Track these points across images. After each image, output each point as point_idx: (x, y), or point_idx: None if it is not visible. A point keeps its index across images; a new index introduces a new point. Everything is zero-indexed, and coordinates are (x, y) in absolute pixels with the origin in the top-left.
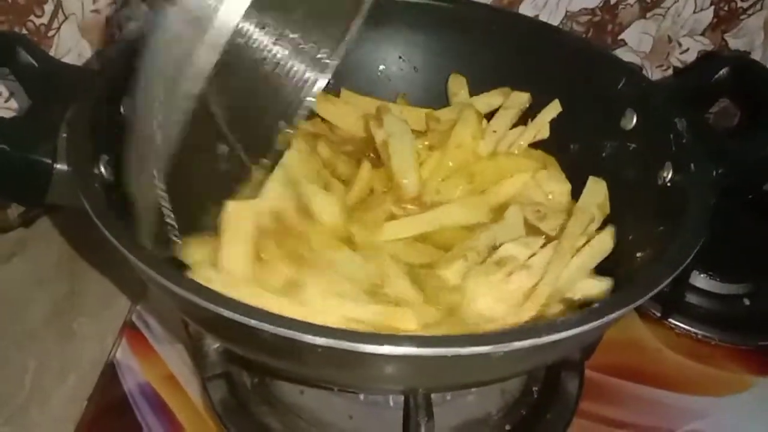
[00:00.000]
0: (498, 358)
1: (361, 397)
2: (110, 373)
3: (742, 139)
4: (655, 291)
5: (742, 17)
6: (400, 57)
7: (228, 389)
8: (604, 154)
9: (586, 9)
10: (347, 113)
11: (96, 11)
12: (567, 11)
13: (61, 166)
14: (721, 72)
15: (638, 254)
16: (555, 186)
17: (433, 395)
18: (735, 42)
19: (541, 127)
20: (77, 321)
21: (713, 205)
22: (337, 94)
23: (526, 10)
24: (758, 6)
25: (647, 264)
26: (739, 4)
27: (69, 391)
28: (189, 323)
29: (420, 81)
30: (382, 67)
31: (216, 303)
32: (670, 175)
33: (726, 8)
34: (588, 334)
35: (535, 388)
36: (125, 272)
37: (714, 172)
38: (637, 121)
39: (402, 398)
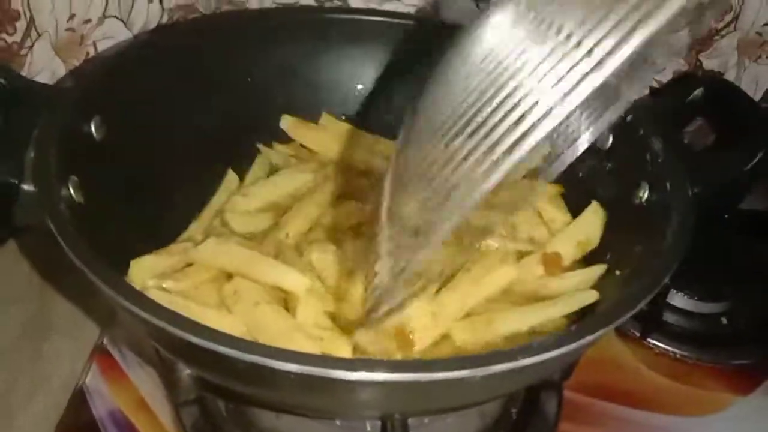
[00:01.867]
0: (474, 382)
1: (338, 421)
2: (80, 398)
3: (717, 158)
4: (633, 311)
5: (715, 38)
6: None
7: (201, 415)
8: (581, 174)
9: None
10: (325, 138)
11: (70, 29)
12: None
13: (27, 187)
14: (695, 92)
15: (617, 273)
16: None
17: (410, 419)
18: (709, 62)
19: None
20: (47, 343)
21: (692, 225)
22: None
23: None
24: (731, 27)
25: (626, 283)
26: (713, 25)
27: (37, 414)
28: (159, 349)
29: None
30: (360, 86)
31: (185, 330)
32: (646, 195)
33: None
34: (566, 356)
35: (513, 410)
36: (93, 296)
37: (690, 191)
38: (613, 140)
39: (379, 425)
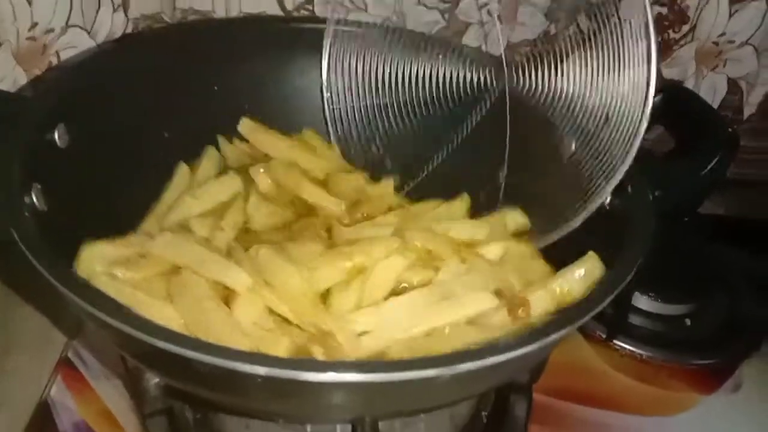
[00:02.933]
0: (443, 381)
1: (308, 429)
2: (44, 411)
3: (677, 162)
4: (596, 311)
5: (674, 47)
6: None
7: (169, 426)
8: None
9: (527, 40)
10: (278, 144)
11: (32, 38)
12: (509, 42)
13: None
14: (654, 99)
15: None
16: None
17: (381, 425)
18: (669, 71)
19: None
20: (10, 358)
21: (653, 227)
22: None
23: (469, 40)
24: (689, 37)
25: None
26: (672, 35)
27: (1, 429)
28: (126, 357)
29: None
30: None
31: (152, 335)
32: (609, 200)
33: (659, 39)
34: (532, 354)
35: (484, 413)
36: (60, 307)
37: (651, 195)
38: (575, 148)
39: (349, 429)
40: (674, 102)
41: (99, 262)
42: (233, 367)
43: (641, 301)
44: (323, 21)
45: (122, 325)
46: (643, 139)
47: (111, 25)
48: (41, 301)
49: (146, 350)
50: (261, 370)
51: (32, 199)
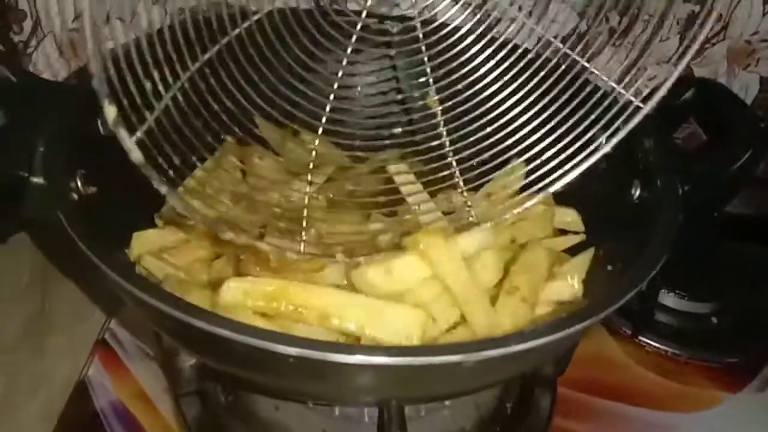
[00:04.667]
0: (469, 367)
1: (336, 412)
2: (81, 390)
3: (707, 157)
4: (621, 303)
5: (706, 46)
6: None
7: (202, 406)
8: None
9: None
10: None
11: (74, 30)
12: (539, 38)
13: (37, 180)
14: (687, 94)
15: (609, 267)
16: None
17: (407, 410)
18: (700, 70)
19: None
20: (49, 338)
21: (680, 220)
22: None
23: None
24: (721, 36)
25: (617, 278)
26: None
27: (40, 408)
28: (162, 337)
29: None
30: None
31: (188, 314)
32: (638, 192)
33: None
34: (557, 343)
35: (508, 404)
36: (98, 288)
37: (680, 189)
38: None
39: (376, 413)
40: (706, 97)
41: (147, 249)
42: (267, 347)
43: (668, 299)
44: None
45: (161, 305)
46: (675, 133)
47: (149, 18)
48: (80, 283)
49: (180, 329)
50: (293, 351)
51: (77, 183)
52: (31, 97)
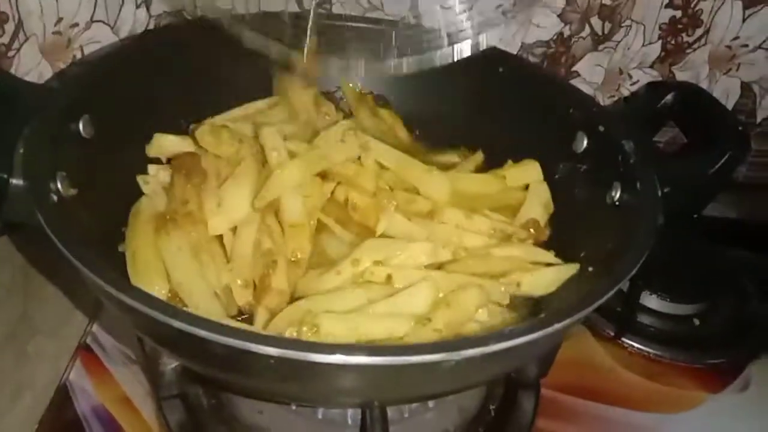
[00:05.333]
0: (449, 367)
1: (319, 415)
2: (63, 394)
3: (686, 160)
4: (600, 302)
5: (687, 51)
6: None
7: (184, 410)
8: (557, 176)
9: (540, 41)
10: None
11: (57, 33)
12: (522, 43)
13: (17, 181)
14: (667, 97)
15: (590, 269)
16: None
17: (391, 412)
18: (682, 74)
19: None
20: (32, 342)
21: (660, 222)
22: None
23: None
24: (703, 41)
25: (597, 279)
26: (685, 38)
27: (22, 412)
28: (144, 340)
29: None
30: None
31: (168, 314)
32: (618, 195)
33: (673, 42)
34: (536, 343)
35: (492, 407)
36: (80, 291)
37: (660, 191)
38: (587, 143)
39: (359, 416)
40: (685, 100)
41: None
42: (247, 347)
43: (650, 301)
44: (342, 18)
45: (140, 305)
46: (655, 136)
47: (134, 21)
48: (61, 286)
49: (160, 330)
50: (273, 351)
51: (57, 185)
52: (12, 98)
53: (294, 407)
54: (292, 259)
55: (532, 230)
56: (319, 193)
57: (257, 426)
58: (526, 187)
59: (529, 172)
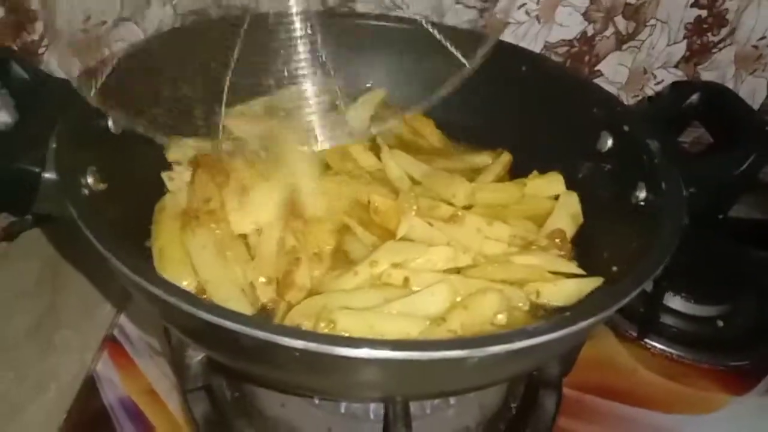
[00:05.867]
0: (473, 364)
1: (342, 409)
2: (90, 386)
3: (712, 160)
4: (623, 302)
5: (713, 51)
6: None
7: (209, 402)
8: (580, 175)
9: (564, 40)
10: None
11: (85, 30)
12: (546, 42)
13: (49, 175)
14: (692, 97)
15: (614, 269)
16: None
17: (413, 409)
18: (707, 74)
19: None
20: (58, 334)
21: (685, 223)
22: None
23: (506, 39)
24: (728, 41)
25: (621, 279)
26: (711, 38)
27: (49, 403)
28: (171, 332)
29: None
30: (369, 85)
31: (196, 306)
32: (643, 195)
33: (698, 42)
34: (559, 342)
35: (513, 404)
36: (108, 283)
37: (685, 192)
38: (612, 143)
39: (381, 410)
40: (711, 100)
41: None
42: (273, 340)
43: (674, 301)
44: (364, 16)
45: (170, 298)
46: (680, 136)
47: (160, 19)
48: (89, 278)
49: (188, 322)
50: (298, 344)
51: (88, 180)
52: (44, 94)
53: (317, 401)
54: (315, 251)
55: (557, 240)
56: (345, 194)
57: (280, 419)
58: (557, 197)
59: (553, 184)
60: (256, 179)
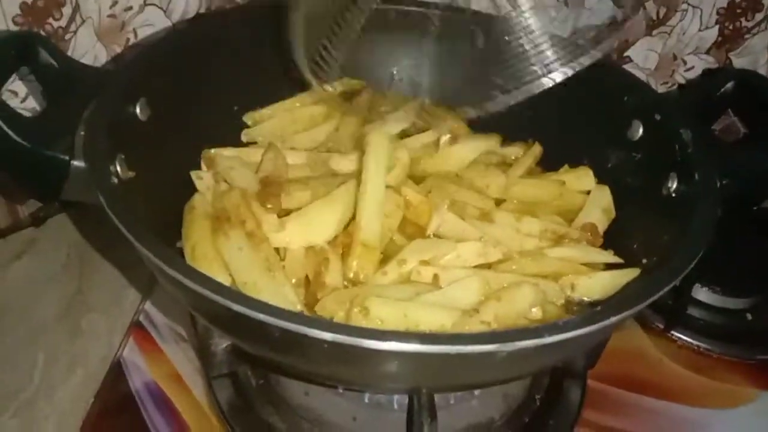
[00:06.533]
0: (501, 358)
1: (366, 399)
2: (117, 370)
3: (746, 150)
4: (656, 297)
5: (746, 36)
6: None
7: (234, 389)
8: (610, 165)
9: (593, 26)
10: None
11: (112, 16)
12: (575, 27)
13: (78, 163)
14: (726, 86)
15: (644, 261)
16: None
17: (437, 399)
18: (739, 61)
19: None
20: (85, 318)
21: (718, 215)
22: None
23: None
24: (763, 26)
25: (652, 271)
26: (744, 23)
27: (76, 387)
28: (197, 319)
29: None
30: (395, 70)
31: (225, 297)
32: (675, 185)
33: (731, 27)
34: (589, 336)
35: (537, 396)
36: (134, 270)
37: (718, 183)
38: (643, 131)
39: (406, 400)
40: (746, 89)
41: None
42: (302, 331)
43: (702, 293)
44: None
45: (200, 288)
46: (713, 125)
47: (186, 4)
48: (115, 263)
49: (217, 312)
50: (327, 336)
51: (116, 167)
52: (72, 81)
53: (341, 390)
54: (351, 276)
55: (589, 234)
56: (396, 213)
57: (304, 407)
58: (588, 191)
59: (583, 179)
60: (310, 198)
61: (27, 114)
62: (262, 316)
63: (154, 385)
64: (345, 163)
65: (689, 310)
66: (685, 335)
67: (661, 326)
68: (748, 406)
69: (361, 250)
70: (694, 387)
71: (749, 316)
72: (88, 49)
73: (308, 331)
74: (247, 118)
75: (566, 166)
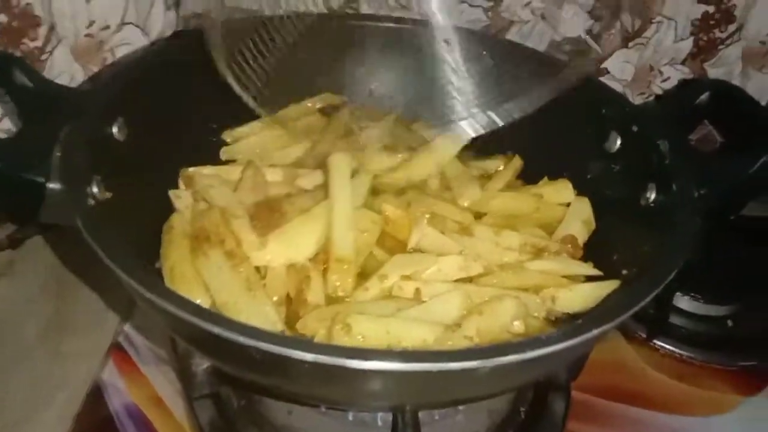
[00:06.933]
0: (484, 373)
1: (350, 417)
2: (96, 393)
3: (723, 160)
4: (637, 308)
5: (720, 47)
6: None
7: (216, 410)
8: (589, 176)
9: (569, 38)
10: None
11: (89, 35)
12: (552, 40)
13: (54, 185)
14: (702, 96)
15: (624, 272)
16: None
17: (421, 415)
18: (714, 71)
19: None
20: (64, 341)
21: (697, 225)
22: None
23: (512, 37)
24: (736, 36)
25: (632, 282)
26: (718, 34)
27: (56, 410)
28: (177, 341)
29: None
30: (374, 86)
31: (204, 319)
32: (653, 196)
33: (705, 38)
34: (572, 349)
35: (522, 409)
36: (113, 292)
37: (696, 193)
38: (621, 143)
39: (390, 418)
40: (721, 99)
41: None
42: (283, 353)
43: (683, 302)
44: (368, 18)
45: (178, 311)
46: (689, 136)
47: (163, 23)
48: (94, 285)
49: (196, 334)
50: (308, 357)
51: (93, 189)
52: (48, 102)
53: (324, 409)
54: (332, 294)
55: (569, 246)
56: (374, 228)
57: (287, 426)
58: (568, 204)
59: (563, 192)
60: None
61: (2, 135)
62: (241, 339)
63: (135, 408)
64: (311, 180)
65: (671, 319)
66: (667, 344)
67: (644, 335)
68: (731, 413)
69: (337, 266)
70: (677, 395)
71: (730, 323)
72: (65, 69)
73: (288, 352)
74: (226, 136)
75: (546, 179)
